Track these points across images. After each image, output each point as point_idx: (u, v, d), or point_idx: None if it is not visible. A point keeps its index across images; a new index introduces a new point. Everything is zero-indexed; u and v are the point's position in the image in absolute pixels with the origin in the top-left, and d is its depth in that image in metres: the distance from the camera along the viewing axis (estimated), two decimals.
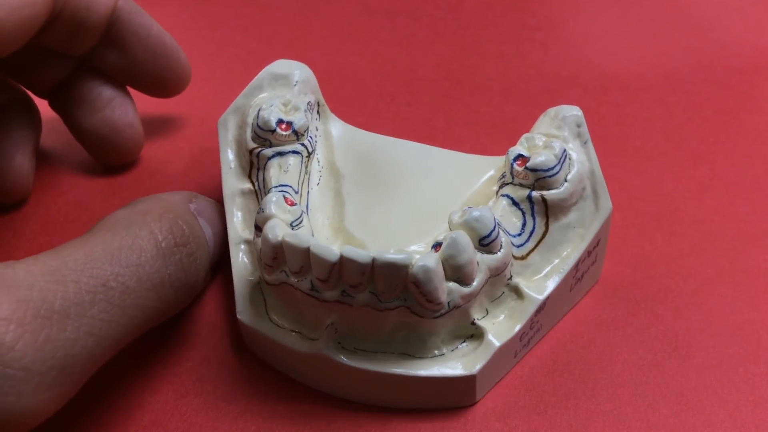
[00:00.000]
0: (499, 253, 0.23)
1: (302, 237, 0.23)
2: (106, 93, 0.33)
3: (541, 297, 0.25)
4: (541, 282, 0.25)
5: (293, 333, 0.25)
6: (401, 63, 0.42)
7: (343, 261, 0.22)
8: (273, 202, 0.24)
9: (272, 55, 0.42)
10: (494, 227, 0.23)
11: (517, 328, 0.24)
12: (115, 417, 0.25)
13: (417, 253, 0.23)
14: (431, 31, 0.44)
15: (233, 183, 0.28)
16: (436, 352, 0.24)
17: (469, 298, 0.23)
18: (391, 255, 0.22)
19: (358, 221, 0.27)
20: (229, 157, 0.29)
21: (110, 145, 0.33)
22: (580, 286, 0.27)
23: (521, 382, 0.25)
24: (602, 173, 0.26)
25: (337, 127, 0.30)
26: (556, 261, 0.26)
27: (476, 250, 0.23)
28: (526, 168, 0.25)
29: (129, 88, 0.35)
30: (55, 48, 0.31)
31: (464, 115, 0.38)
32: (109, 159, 0.34)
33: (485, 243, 0.23)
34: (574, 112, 0.26)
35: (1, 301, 0.19)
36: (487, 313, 0.25)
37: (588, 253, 0.26)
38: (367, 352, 0.24)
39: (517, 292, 0.25)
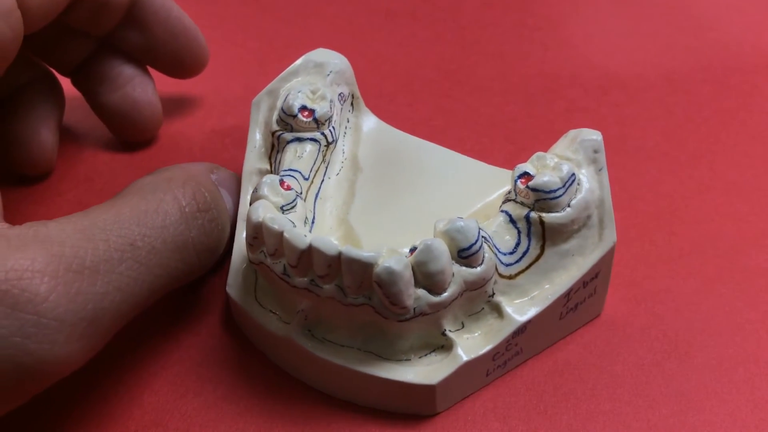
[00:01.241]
0: (478, 268, 0.23)
1: (280, 220, 0.23)
2: (126, 72, 0.35)
3: (521, 319, 0.24)
4: (525, 305, 0.24)
5: (271, 314, 0.25)
6: (401, 63, 0.42)
7: (312, 250, 0.22)
8: (267, 184, 0.25)
9: (272, 54, 0.43)
10: (476, 241, 0.22)
11: (490, 347, 0.24)
12: (115, 416, 0.25)
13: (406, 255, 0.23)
14: (431, 31, 0.44)
15: (254, 162, 0.29)
16: (404, 356, 0.24)
17: (438, 307, 0.23)
18: (358, 251, 0.22)
19: (362, 215, 0.27)
20: (256, 136, 0.29)
21: (130, 121, 0.35)
22: (573, 316, 0.26)
23: (521, 382, 0.25)
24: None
25: (369, 121, 0.31)
26: (547, 286, 0.25)
27: (454, 261, 0.23)
28: (527, 187, 0.24)
29: (149, 68, 0.36)
30: (78, 27, 0.32)
31: (464, 115, 0.38)
32: (129, 135, 0.36)
33: (464, 255, 0.22)
34: (593, 136, 0.25)
35: (36, 256, 0.20)
36: (463, 327, 0.24)
37: (584, 283, 0.25)
38: (335, 344, 0.24)
39: (498, 310, 0.24)
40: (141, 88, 0.35)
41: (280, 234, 0.23)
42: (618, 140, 0.36)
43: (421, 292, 0.22)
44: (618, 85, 0.39)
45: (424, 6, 0.47)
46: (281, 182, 0.25)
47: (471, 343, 0.24)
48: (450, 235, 0.22)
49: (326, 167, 0.29)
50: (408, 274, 0.22)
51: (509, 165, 0.34)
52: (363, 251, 0.22)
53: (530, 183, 0.24)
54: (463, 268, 0.23)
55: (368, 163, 0.29)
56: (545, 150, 0.26)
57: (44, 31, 0.30)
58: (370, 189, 0.28)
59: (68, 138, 0.37)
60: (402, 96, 0.39)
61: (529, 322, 0.24)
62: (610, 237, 0.25)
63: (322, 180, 0.28)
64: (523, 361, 0.26)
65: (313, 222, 0.27)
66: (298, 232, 0.23)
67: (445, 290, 0.22)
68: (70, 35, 0.33)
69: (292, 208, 0.25)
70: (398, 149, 0.30)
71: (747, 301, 0.28)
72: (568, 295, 0.25)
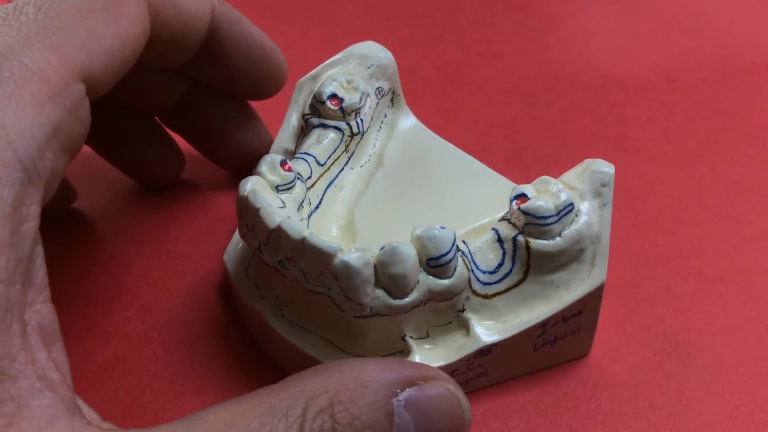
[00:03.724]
0: (446, 280, 0.22)
1: (259, 198, 0.24)
2: (229, 114, 0.32)
3: (486, 341, 0.23)
4: (495, 327, 0.23)
5: (254, 288, 0.26)
6: (401, 63, 0.42)
7: (279, 231, 0.23)
8: (266, 162, 0.26)
9: None
10: (447, 252, 0.22)
11: (447, 362, 0.23)
12: (115, 417, 0.25)
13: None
14: (431, 31, 0.44)
15: (283, 141, 0.29)
16: (362, 353, 0.24)
17: (396, 311, 0.22)
18: (321, 240, 0.22)
19: (368, 209, 0.28)
20: (292, 117, 0.30)
21: (249, 166, 0.31)
22: (551, 350, 0.25)
23: (521, 381, 0.25)
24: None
25: (406, 120, 0.31)
26: (523, 313, 0.23)
27: (422, 269, 0.22)
28: (519, 208, 0.23)
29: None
30: (148, 64, 0.28)
31: (464, 115, 0.38)
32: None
33: (432, 264, 0.22)
34: (604, 169, 0.24)
35: None
36: (427, 336, 0.24)
37: (563, 318, 0.24)
38: (302, 328, 0.24)
39: (466, 327, 0.23)
40: (252, 132, 0.32)
41: (257, 210, 0.23)
42: (618, 140, 0.36)
43: (381, 292, 0.22)
44: (618, 85, 0.39)
45: (424, 6, 0.47)
46: (283, 163, 0.26)
47: (429, 354, 0.23)
48: (422, 242, 0.22)
49: (349, 157, 0.29)
50: (367, 272, 0.22)
51: (509, 165, 0.34)
52: (325, 241, 0.22)
53: (522, 205, 0.23)
54: (430, 277, 0.22)
55: (392, 161, 0.30)
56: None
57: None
58: (384, 185, 0.29)
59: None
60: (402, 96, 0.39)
61: (495, 345, 0.23)
62: (599, 275, 0.24)
63: (342, 169, 0.29)
64: (491, 384, 0.25)
65: (317, 207, 0.27)
66: (272, 211, 0.23)
67: (406, 295, 0.22)
68: (155, 76, 0.30)
69: (288, 189, 0.26)
70: (425, 151, 0.30)
71: (747, 301, 0.28)
72: (543, 327, 0.24)
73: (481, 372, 0.24)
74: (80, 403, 0.18)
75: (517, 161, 0.34)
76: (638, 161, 0.34)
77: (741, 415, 0.24)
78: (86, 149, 0.32)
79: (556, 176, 0.24)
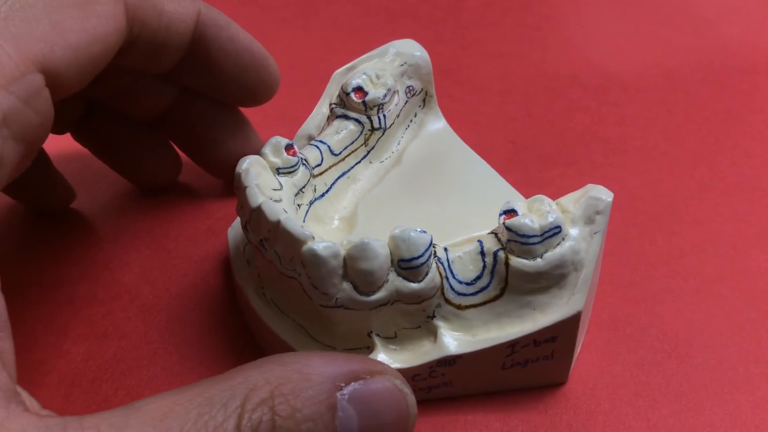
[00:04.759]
0: (415, 284, 0.22)
1: (250, 177, 0.24)
2: (221, 121, 0.31)
3: (450, 351, 0.23)
4: (463, 339, 0.23)
5: (246, 263, 0.26)
6: None
7: (259, 211, 0.23)
8: (270, 144, 0.26)
9: (272, 54, 0.42)
10: (420, 256, 0.22)
11: (408, 365, 0.23)
12: None
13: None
14: (431, 31, 0.44)
15: (309, 127, 0.30)
16: (329, 343, 0.24)
17: (361, 306, 0.22)
18: (295, 225, 0.22)
19: (371, 205, 0.28)
20: (323, 106, 0.30)
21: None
22: (522, 372, 0.24)
23: None
24: (610, 209, 0.23)
25: (435, 122, 0.31)
26: (494, 329, 0.23)
27: (393, 269, 0.22)
28: (504, 224, 0.22)
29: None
30: (132, 68, 0.28)
31: (464, 115, 0.38)
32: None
33: (403, 266, 0.22)
34: (602, 196, 0.23)
35: None
36: (395, 337, 0.23)
37: (535, 341, 0.23)
38: (278, 309, 0.25)
39: (434, 334, 0.23)
40: (243, 140, 0.32)
41: (245, 189, 0.24)
42: (618, 140, 0.36)
43: (347, 286, 0.22)
44: (618, 85, 0.39)
45: (424, 6, 0.47)
46: (288, 147, 0.26)
47: (393, 355, 0.23)
48: (396, 242, 0.22)
49: (368, 151, 0.29)
50: (334, 263, 0.22)
51: (509, 165, 0.34)
52: (299, 227, 0.22)
53: (507, 221, 0.22)
54: (399, 278, 0.22)
55: (410, 160, 0.30)
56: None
57: (115, 77, 0.28)
58: (396, 183, 0.29)
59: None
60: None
61: (460, 357, 0.23)
62: (576, 304, 0.23)
63: (359, 162, 0.29)
64: (458, 395, 0.24)
65: (323, 195, 0.28)
66: (257, 191, 0.24)
67: (372, 292, 0.22)
68: (143, 81, 0.30)
69: (290, 172, 0.26)
70: (445, 155, 0.30)
71: (747, 301, 0.28)
72: (512, 347, 0.23)
73: (445, 381, 0.24)
74: (20, 390, 0.18)
75: (517, 161, 0.34)
76: (638, 161, 0.34)
77: (741, 415, 0.24)
78: (85, 150, 0.32)
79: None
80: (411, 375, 0.23)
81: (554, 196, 0.24)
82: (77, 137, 0.32)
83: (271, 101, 0.31)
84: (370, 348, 0.23)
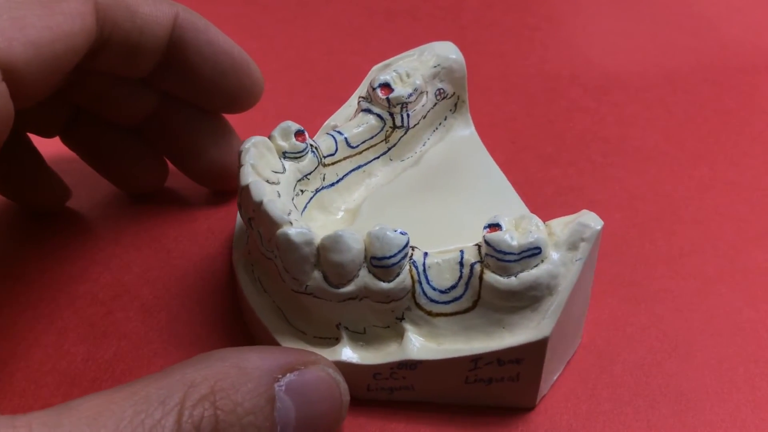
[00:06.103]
0: (384, 283, 0.22)
1: (248, 156, 0.25)
2: (205, 129, 0.31)
3: (412, 356, 0.22)
4: (428, 346, 0.23)
5: (246, 241, 0.27)
6: None
7: (247, 189, 0.24)
8: (280, 128, 0.26)
9: (272, 54, 0.43)
10: (393, 256, 0.22)
11: (369, 362, 0.23)
12: None
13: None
14: (431, 31, 0.44)
15: (336, 117, 0.30)
16: (301, 329, 0.24)
17: (330, 297, 0.22)
18: (274, 208, 0.23)
19: (378, 201, 0.28)
20: (355, 98, 0.30)
21: (222, 182, 0.32)
22: (487, 389, 0.23)
23: None
24: (601, 233, 0.22)
25: (463, 128, 0.32)
26: (460, 341, 0.23)
27: (365, 265, 0.22)
28: (484, 237, 0.22)
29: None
30: (108, 71, 0.27)
31: None
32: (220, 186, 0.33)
33: (375, 264, 0.22)
34: (590, 224, 0.22)
35: None
36: (364, 333, 0.23)
37: (498, 360, 0.22)
38: (261, 287, 0.25)
39: (401, 336, 0.23)
40: (225, 148, 0.31)
41: (241, 167, 0.25)
42: (618, 140, 0.36)
43: (318, 275, 0.22)
44: (618, 85, 0.39)
45: (424, 6, 0.47)
46: (299, 133, 0.26)
47: (357, 350, 0.23)
48: (371, 239, 0.22)
49: (389, 148, 0.29)
50: (307, 251, 0.22)
51: (509, 165, 0.34)
52: (278, 210, 0.23)
53: (487, 235, 0.22)
54: (370, 275, 0.22)
55: (428, 163, 0.30)
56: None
57: (95, 82, 0.28)
58: (408, 183, 0.29)
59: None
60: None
61: (421, 363, 0.23)
62: (544, 330, 0.22)
63: (377, 157, 0.29)
64: (421, 400, 0.24)
65: (332, 185, 0.28)
66: (250, 171, 0.24)
67: (342, 285, 0.22)
68: (124, 87, 0.29)
69: (297, 158, 0.26)
70: (463, 162, 0.30)
71: (747, 301, 0.28)
72: (475, 362, 0.23)
73: (406, 385, 0.24)
74: None
75: (517, 161, 0.34)
76: (638, 161, 0.34)
77: (741, 415, 0.24)
78: None
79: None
80: (372, 373, 0.23)
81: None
82: (65, 141, 0.32)
83: (271, 101, 0.31)
84: (338, 339, 0.24)
